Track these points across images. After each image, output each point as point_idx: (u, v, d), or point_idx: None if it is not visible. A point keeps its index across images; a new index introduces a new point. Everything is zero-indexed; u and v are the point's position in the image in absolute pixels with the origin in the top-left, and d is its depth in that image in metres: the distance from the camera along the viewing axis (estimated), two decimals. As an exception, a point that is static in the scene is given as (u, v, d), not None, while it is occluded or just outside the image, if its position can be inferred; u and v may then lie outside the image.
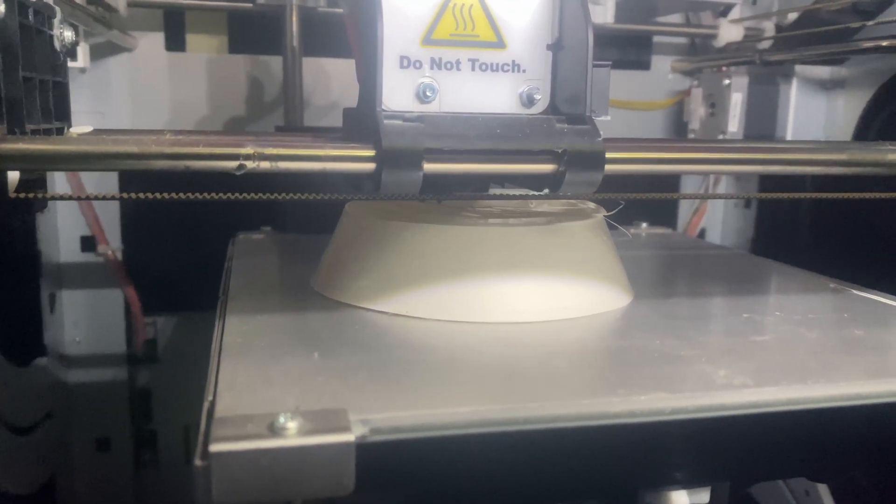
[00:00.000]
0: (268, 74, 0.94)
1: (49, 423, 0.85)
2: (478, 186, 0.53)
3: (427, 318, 0.47)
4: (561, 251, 0.50)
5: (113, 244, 0.90)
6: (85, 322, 0.92)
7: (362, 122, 0.45)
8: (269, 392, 0.35)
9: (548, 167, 0.44)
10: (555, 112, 0.47)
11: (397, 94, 0.44)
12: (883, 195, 0.54)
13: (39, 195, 0.43)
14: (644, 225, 0.87)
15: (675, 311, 0.52)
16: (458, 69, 0.45)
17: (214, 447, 0.29)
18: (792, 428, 0.37)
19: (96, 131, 0.45)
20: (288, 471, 0.29)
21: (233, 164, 0.40)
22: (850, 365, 0.41)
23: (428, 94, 0.45)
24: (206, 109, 0.93)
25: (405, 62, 0.44)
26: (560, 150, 0.43)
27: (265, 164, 0.41)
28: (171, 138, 0.40)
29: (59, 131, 0.45)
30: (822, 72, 0.95)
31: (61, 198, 0.46)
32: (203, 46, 0.92)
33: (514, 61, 0.46)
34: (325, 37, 0.91)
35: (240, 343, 0.42)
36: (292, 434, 0.30)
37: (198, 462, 0.29)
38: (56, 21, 0.45)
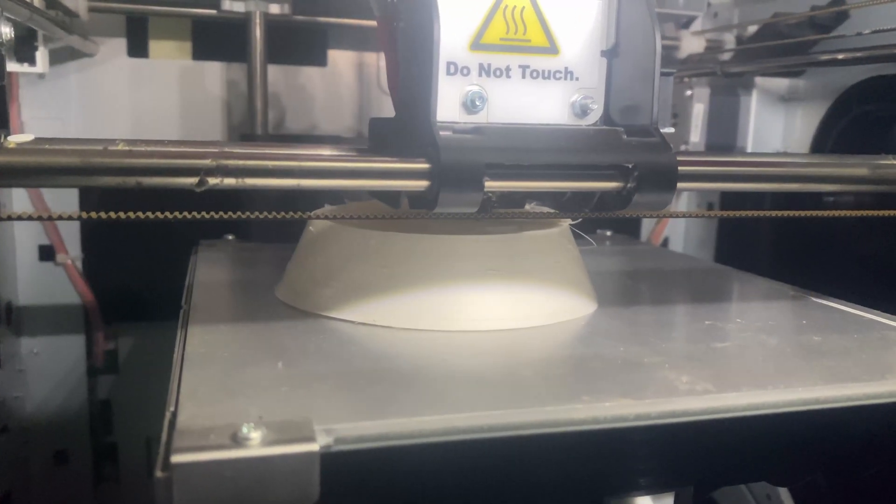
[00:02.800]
0: (232, 81, 0.93)
1: (5, 437, 0.83)
2: (515, 202, 0.49)
3: (392, 326, 0.47)
4: (526, 259, 0.51)
5: (72, 253, 0.88)
6: (43, 333, 0.90)
7: (403, 134, 0.41)
8: (232, 402, 0.35)
9: (615, 184, 0.40)
10: (608, 123, 0.44)
11: (443, 104, 0.40)
12: (845, 213, 0.54)
13: None
14: (609, 233, 0.88)
15: (639, 319, 0.52)
16: (508, 76, 0.42)
17: (176, 458, 0.28)
18: (753, 433, 0.38)
19: (38, 140, 0.37)
20: (251, 481, 0.29)
21: (192, 179, 0.35)
22: (809, 370, 0.42)
23: (477, 103, 0.41)
24: (169, 117, 0.91)
25: (452, 68, 0.41)
26: (630, 166, 0.40)
27: (308, 182, 0.37)
28: (122, 150, 0.36)
29: None
30: (781, 84, 0.97)
31: (9, 218, 0.41)
32: (166, 53, 0.91)
33: (566, 68, 0.43)
34: (290, 44, 0.91)
35: (202, 353, 0.42)
36: (255, 444, 0.29)
37: (159, 473, 0.29)
38: None
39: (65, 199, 0.86)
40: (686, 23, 1.00)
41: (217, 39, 0.92)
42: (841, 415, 0.39)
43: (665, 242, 1.11)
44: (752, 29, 0.94)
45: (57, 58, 0.85)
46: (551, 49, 0.43)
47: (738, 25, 0.96)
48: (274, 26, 0.84)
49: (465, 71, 0.41)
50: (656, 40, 0.41)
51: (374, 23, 0.95)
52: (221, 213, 0.39)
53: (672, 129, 0.44)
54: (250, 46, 0.82)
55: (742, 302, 0.61)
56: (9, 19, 0.47)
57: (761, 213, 0.50)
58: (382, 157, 0.38)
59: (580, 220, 0.58)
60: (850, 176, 0.50)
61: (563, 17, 0.43)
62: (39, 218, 0.48)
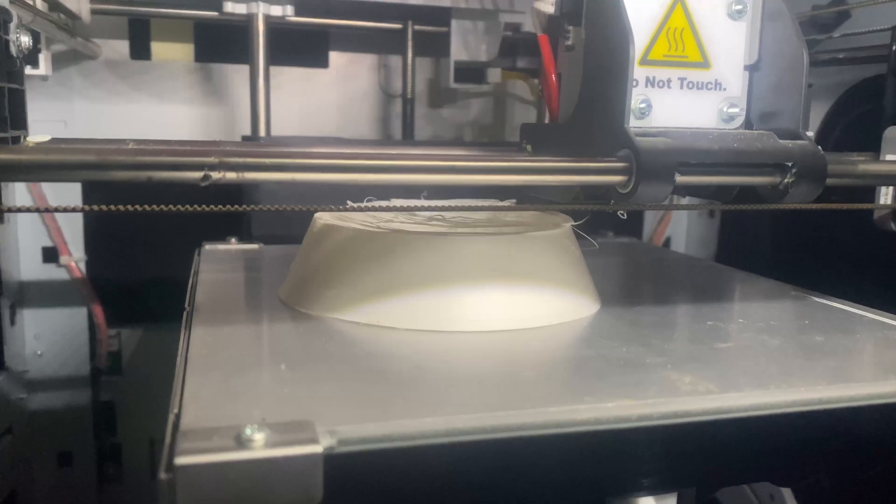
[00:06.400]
0: (234, 83, 0.94)
1: (9, 438, 0.83)
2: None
3: (395, 327, 0.47)
4: (529, 260, 0.51)
5: (76, 255, 0.89)
6: (47, 335, 0.90)
7: (578, 137, 0.49)
8: (236, 404, 0.35)
9: (775, 179, 0.47)
10: (747, 128, 0.51)
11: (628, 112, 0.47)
12: (844, 206, 0.55)
13: None
14: (610, 234, 0.88)
15: (641, 319, 0.52)
16: (669, 87, 0.49)
17: (180, 460, 0.28)
18: (755, 433, 0.38)
19: (55, 140, 0.43)
20: (254, 483, 0.29)
21: (195, 175, 0.38)
22: (811, 370, 0.42)
23: (646, 111, 0.48)
24: (172, 118, 0.92)
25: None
26: (790, 164, 0.46)
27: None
28: (134, 148, 0.39)
29: (16, 140, 0.44)
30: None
31: (18, 210, 0.44)
32: (168, 55, 0.92)
33: (716, 80, 0.50)
34: (292, 46, 0.91)
35: (206, 355, 0.42)
36: (259, 446, 0.30)
37: (162, 475, 0.29)
38: (12, 26, 0.44)
39: (68, 200, 0.86)
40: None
41: (219, 41, 0.92)
42: (844, 415, 0.39)
43: (667, 243, 1.11)
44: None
45: (60, 60, 0.86)
46: (704, 64, 0.50)
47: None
48: (275, 28, 0.84)
49: (635, 83, 0.47)
50: (804, 55, 0.48)
51: (374, 24, 0.96)
52: (221, 206, 0.41)
53: (811, 134, 0.49)
54: (252, 48, 0.82)
55: (744, 302, 0.61)
56: (28, 29, 0.49)
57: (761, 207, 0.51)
58: (581, 159, 0.45)
59: (582, 221, 0.58)
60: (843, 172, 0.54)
61: (714, 37, 0.50)
62: (46, 210, 0.50)
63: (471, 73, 0.94)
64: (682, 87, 0.49)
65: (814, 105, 0.92)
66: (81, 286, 0.89)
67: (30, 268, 0.88)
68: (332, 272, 0.51)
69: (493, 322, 0.48)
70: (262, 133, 0.84)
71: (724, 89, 0.50)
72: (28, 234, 0.88)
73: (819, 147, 0.47)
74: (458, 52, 0.90)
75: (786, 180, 0.46)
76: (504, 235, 0.51)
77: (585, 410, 0.35)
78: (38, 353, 0.90)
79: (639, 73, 0.48)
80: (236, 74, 0.93)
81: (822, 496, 0.65)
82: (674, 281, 0.70)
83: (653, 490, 0.39)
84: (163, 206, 0.39)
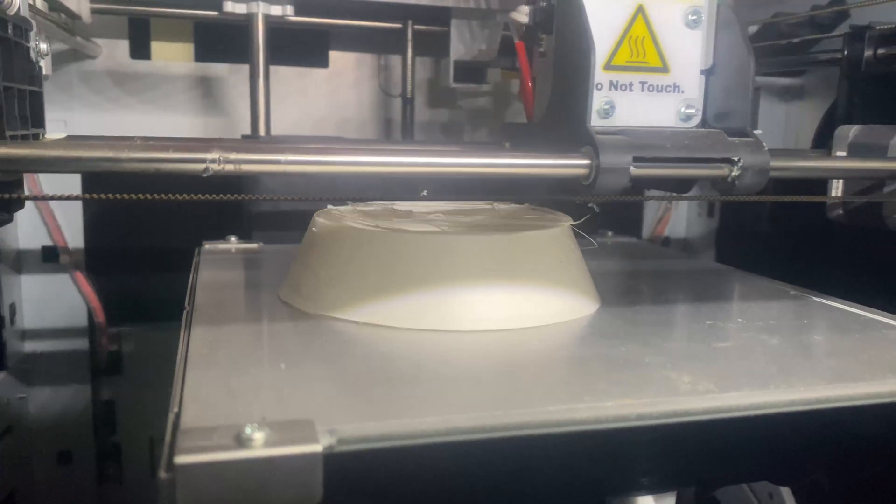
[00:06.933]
0: (234, 83, 0.94)
1: (9, 437, 0.83)
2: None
3: (395, 326, 0.47)
4: (528, 260, 0.51)
5: (76, 255, 0.89)
6: (47, 334, 0.90)
7: (549, 135, 0.55)
8: (236, 403, 0.35)
9: (723, 172, 0.51)
10: (703, 126, 0.55)
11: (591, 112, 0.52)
12: (845, 198, 0.57)
13: (16, 196, 0.46)
14: (610, 234, 0.88)
15: (640, 319, 0.52)
16: (631, 90, 0.54)
17: (180, 459, 0.29)
18: (755, 432, 0.38)
19: (69, 136, 0.49)
20: (254, 482, 0.29)
21: (195, 168, 0.41)
22: (810, 370, 0.42)
23: (609, 111, 0.53)
24: (172, 117, 0.92)
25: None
26: (736, 159, 0.50)
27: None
28: (143, 144, 0.42)
29: (35, 137, 0.48)
30: (782, 83, 0.97)
31: (42, 198, 0.49)
32: (168, 54, 0.92)
33: (675, 84, 0.55)
34: (292, 46, 0.91)
35: (206, 354, 0.42)
36: (259, 445, 0.30)
37: (162, 474, 0.29)
38: (32, 34, 0.48)
39: (69, 205, 0.86)
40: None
41: (219, 41, 0.92)
42: (843, 414, 0.39)
43: (666, 242, 1.11)
44: (753, 29, 0.93)
45: (60, 60, 0.86)
46: (663, 69, 0.54)
47: (739, 25, 0.96)
48: (275, 28, 0.84)
49: (599, 86, 0.53)
50: (751, 62, 0.53)
51: (374, 23, 0.96)
52: (220, 196, 0.43)
53: (760, 131, 0.53)
54: (252, 48, 0.82)
55: (743, 301, 0.61)
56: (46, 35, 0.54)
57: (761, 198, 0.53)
58: (549, 154, 0.49)
59: (582, 220, 0.58)
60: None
61: (673, 44, 0.54)
62: (43, 198, 0.54)
63: (471, 72, 0.94)
64: (643, 90, 0.54)
65: (813, 104, 0.92)
66: (81, 285, 0.89)
67: (30, 267, 0.88)
68: (331, 271, 0.51)
69: (493, 321, 0.48)
70: (262, 132, 0.84)
71: (682, 92, 0.55)
72: (28, 233, 0.88)
73: (763, 144, 0.51)
74: (458, 51, 0.90)
75: (733, 173, 0.50)
76: (504, 235, 0.51)
77: (585, 410, 0.35)
78: (39, 352, 0.90)
79: (603, 77, 0.53)
80: (236, 74, 0.93)
81: (822, 495, 0.65)
82: (673, 280, 0.70)
83: (652, 489, 0.40)
84: (165, 196, 0.42)
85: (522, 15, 0.59)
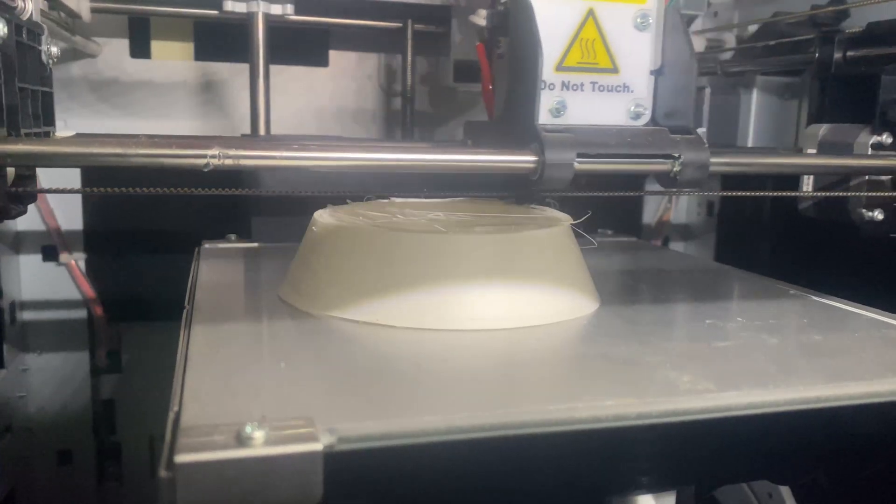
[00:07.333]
0: (233, 82, 0.94)
1: (9, 436, 0.83)
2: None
3: (394, 325, 0.47)
4: (528, 259, 0.51)
5: (75, 253, 0.89)
6: (47, 333, 0.90)
7: (505, 132, 0.57)
8: (236, 402, 0.35)
9: (665, 167, 0.53)
10: (653, 124, 0.57)
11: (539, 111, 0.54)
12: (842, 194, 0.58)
13: (31, 189, 0.49)
14: (609, 233, 0.88)
15: (640, 318, 0.52)
16: (582, 90, 0.56)
17: (180, 457, 0.29)
18: (754, 431, 0.38)
19: (78, 134, 0.54)
20: (255, 481, 0.29)
21: (200, 162, 0.44)
22: (810, 369, 0.42)
23: (560, 110, 0.55)
24: (171, 116, 0.92)
25: (543, 85, 0.54)
26: (677, 155, 0.53)
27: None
28: (148, 140, 0.44)
29: (46, 135, 0.51)
30: (781, 82, 0.97)
31: (56, 191, 0.49)
32: (168, 53, 0.92)
33: (624, 84, 0.57)
34: (292, 45, 0.91)
35: (206, 353, 0.42)
36: (259, 444, 0.30)
37: (163, 473, 0.29)
38: (44, 38, 0.51)
39: (68, 199, 0.86)
40: (687, 22, 1.00)
41: (219, 40, 0.92)
42: (842, 413, 0.39)
43: (665, 242, 1.11)
44: (753, 28, 0.94)
45: (59, 59, 0.85)
46: (613, 70, 0.56)
47: (739, 25, 0.96)
48: (275, 27, 0.84)
49: (551, 86, 0.55)
50: (693, 64, 0.56)
51: (374, 23, 0.96)
52: (220, 189, 0.46)
53: (704, 129, 0.56)
54: (252, 47, 0.82)
55: (742, 301, 0.61)
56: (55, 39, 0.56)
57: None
58: (501, 150, 0.52)
59: (582, 220, 0.58)
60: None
61: (623, 46, 0.56)
62: (55, 190, 0.55)
63: (470, 71, 0.94)
64: (594, 90, 0.56)
65: (813, 105, 0.92)
66: (81, 285, 0.89)
67: (29, 266, 0.88)
68: (331, 271, 0.51)
69: (493, 320, 0.48)
70: (262, 131, 0.84)
71: (632, 91, 0.57)
72: (28, 233, 0.88)
73: (704, 141, 0.54)
74: (458, 51, 0.90)
75: (675, 169, 0.53)
76: (503, 234, 0.51)
77: (584, 409, 0.35)
78: (38, 351, 0.90)
79: (555, 77, 0.55)
80: (236, 73, 0.93)
81: (821, 494, 0.65)
82: (672, 279, 0.70)
83: (652, 488, 0.40)
84: (166, 189, 0.45)
85: (480, 18, 0.61)
